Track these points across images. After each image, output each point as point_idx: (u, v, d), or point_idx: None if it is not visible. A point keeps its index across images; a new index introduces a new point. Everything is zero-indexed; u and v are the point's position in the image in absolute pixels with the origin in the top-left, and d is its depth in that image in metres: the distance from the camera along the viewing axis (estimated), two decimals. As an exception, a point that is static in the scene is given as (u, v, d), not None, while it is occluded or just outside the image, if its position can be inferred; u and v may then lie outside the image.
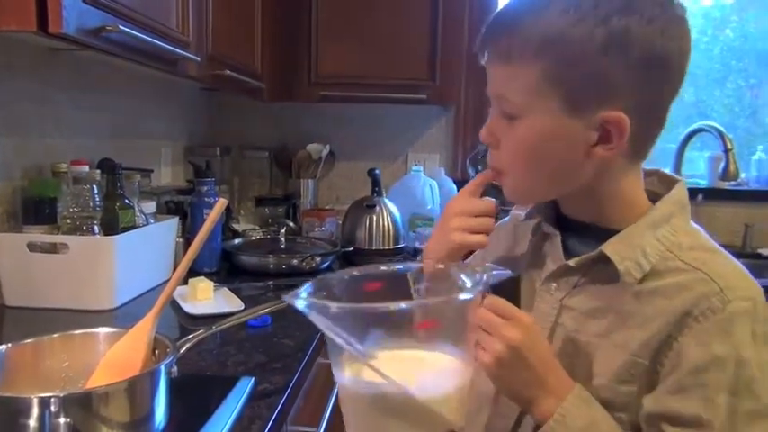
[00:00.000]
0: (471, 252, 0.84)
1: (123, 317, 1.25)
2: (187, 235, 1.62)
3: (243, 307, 1.25)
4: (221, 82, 1.55)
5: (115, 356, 0.74)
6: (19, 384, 0.71)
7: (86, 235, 1.25)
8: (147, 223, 1.43)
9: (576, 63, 0.59)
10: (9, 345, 0.73)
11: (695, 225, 0.69)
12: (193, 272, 1.58)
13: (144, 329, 0.76)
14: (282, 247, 1.70)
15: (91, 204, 1.26)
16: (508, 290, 0.63)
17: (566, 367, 0.68)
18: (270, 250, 1.70)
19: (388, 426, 0.60)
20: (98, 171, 1.36)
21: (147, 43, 1.09)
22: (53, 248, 1.22)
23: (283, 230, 1.74)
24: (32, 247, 1.22)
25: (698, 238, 0.68)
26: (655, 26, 0.59)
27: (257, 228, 1.98)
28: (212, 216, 0.79)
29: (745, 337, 0.60)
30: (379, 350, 0.58)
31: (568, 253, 0.71)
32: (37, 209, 1.26)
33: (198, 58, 1.33)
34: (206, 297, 1.32)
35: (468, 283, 0.62)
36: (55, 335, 0.77)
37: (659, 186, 0.71)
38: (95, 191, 1.27)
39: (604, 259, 0.65)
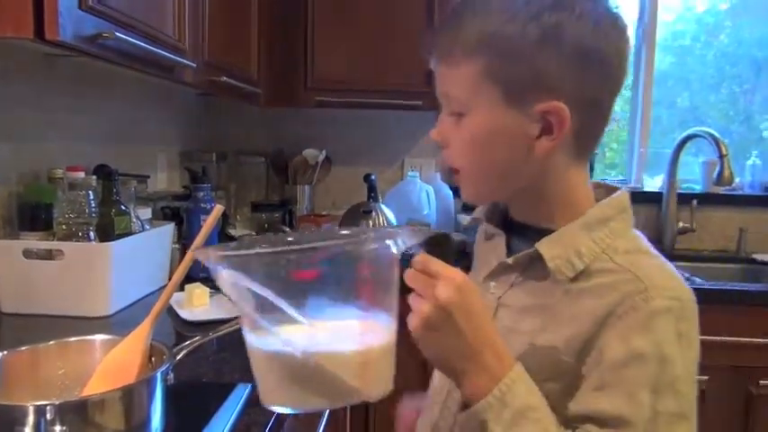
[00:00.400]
0: None
1: (119, 323, 1.25)
2: (183, 241, 1.62)
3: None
4: (217, 88, 1.55)
5: (111, 363, 0.74)
6: (15, 392, 0.71)
7: (82, 241, 1.25)
8: (144, 229, 1.43)
9: (513, 58, 0.62)
10: (5, 352, 0.73)
11: (636, 232, 0.70)
12: (190, 278, 1.58)
13: (140, 336, 0.76)
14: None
15: (87, 210, 1.26)
16: (443, 249, 0.63)
17: None
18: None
19: (292, 388, 0.56)
20: (94, 177, 1.36)
21: (143, 50, 1.09)
22: (49, 255, 1.22)
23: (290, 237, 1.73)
24: (28, 253, 1.22)
25: (635, 243, 0.68)
26: (586, 21, 0.62)
27: (254, 233, 1.98)
28: (209, 222, 0.78)
29: (668, 336, 0.60)
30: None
31: (512, 253, 0.72)
32: (33, 215, 1.26)
33: (194, 65, 1.34)
34: (202, 303, 1.32)
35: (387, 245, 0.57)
36: (51, 342, 0.77)
37: (604, 196, 0.72)
38: (91, 197, 1.27)
39: (539, 257, 0.67)
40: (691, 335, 0.62)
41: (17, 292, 1.24)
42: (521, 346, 0.67)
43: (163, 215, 1.66)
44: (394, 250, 0.56)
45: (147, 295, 1.37)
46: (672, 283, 0.64)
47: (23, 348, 0.76)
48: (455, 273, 0.59)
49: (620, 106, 2.52)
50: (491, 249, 0.77)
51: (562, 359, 0.65)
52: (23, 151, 1.32)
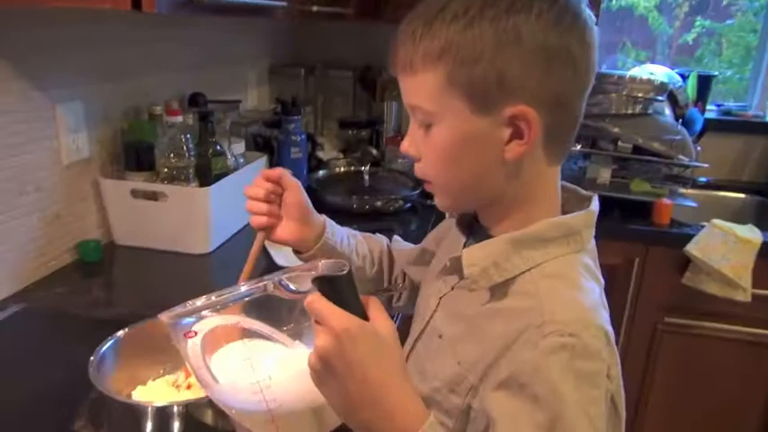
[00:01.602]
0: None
1: (218, 260, 1.34)
2: (274, 170, 1.66)
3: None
4: (309, 17, 1.50)
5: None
6: (137, 366, 0.80)
7: (183, 184, 1.31)
8: (238, 166, 1.48)
9: (473, 63, 0.60)
10: (126, 329, 0.81)
11: (585, 259, 0.65)
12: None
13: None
14: (366, 185, 1.72)
15: (186, 154, 1.31)
16: (343, 287, 0.55)
17: (421, 366, 0.70)
18: (353, 189, 1.72)
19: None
20: (191, 116, 1.40)
21: (234, 4, 1.06)
22: (153, 196, 1.30)
23: (367, 167, 1.74)
24: (135, 193, 1.30)
25: (568, 269, 0.63)
26: (545, 19, 0.59)
27: (341, 157, 1.99)
28: (254, 251, 0.80)
29: (559, 376, 0.56)
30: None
31: None
32: (137, 154, 1.32)
33: (284, 3, 1.29)
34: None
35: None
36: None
37: (574, 205, 0.68)
38: (189, 140, 1.31)
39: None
40: (589, 373, 0.57)
41: (127, 227, 1.35)
42: (443, 352, 0.67)
43: (254, 144, 1.70)
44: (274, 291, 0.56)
45: (242, 228, 1.45)
46: (576, 317, 0.59)
47: (142, 324, 0.83)
48: (336, 319, 0.54)
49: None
50: (452, 247, 0.75)
51: (467, 377, 0.63)
52: (123, 88, 1.37)
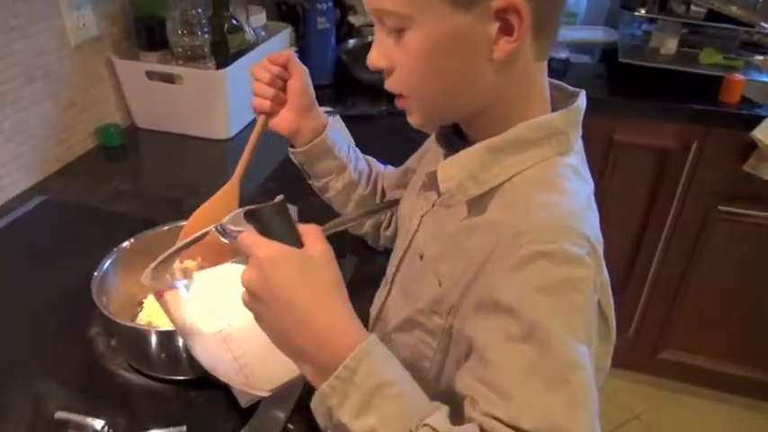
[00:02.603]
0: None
1: (239, 145, 1.28)
2: (301, 42, 1.54)
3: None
4: None
5: (198, 224, 0.78)
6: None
7: (198, 64, 1.23)
8: (258, 40, 1.37)
9: None
10: (132, 240, 0.79)
11: (571, 160, 0.58)
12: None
13: (229, 197, 0.79)
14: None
15: (199, 31, 1.21)
16: (271, 217, 0.52)
17: (405, 288, 0.67)
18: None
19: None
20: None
21: None
22: (170, 78, 1.23)
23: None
24: (150, 75, 1.23)
25: (551, 173, 0.56)
26: None
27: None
28: (256, 131, 0.79)
29: (537, 284, 0.50)
30: None
31: None
32: (149, 33, 1.24)
33: None
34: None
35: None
36: (164, 227, 0.82)
37: (561, 104, 0.60)
38: (201, 14, 1.21)
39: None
40: (575, 279, 0.51)
41: (146, 110, 1.30)
42: (424, 273, 0.63)
43: (278, 13, 1.56)
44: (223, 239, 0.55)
45: (266, 110, 1.38)
46: (555, 225, 0.52)
47: (142, 234, 0.81)
48: (258, 248, 0.51)
49: None
50: (432, 162, 0.68)
51: (447, 296, 0.59)
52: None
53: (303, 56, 1.54)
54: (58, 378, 0.73)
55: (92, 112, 1.22)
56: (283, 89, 0.79)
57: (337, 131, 0.85)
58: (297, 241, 0.52)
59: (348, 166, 0.85)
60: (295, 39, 1.52)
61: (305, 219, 0.97)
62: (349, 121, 1.34)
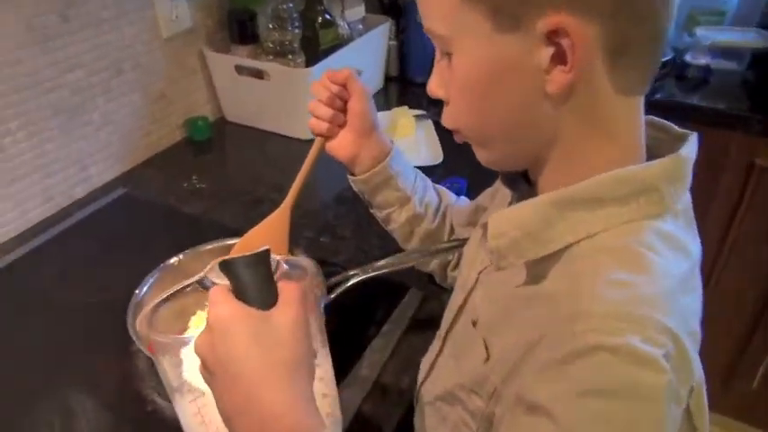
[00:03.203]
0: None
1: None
2: (401, 37, 1.45)
3: (440, 160, 1.13)
4: None
5: (248, 244, 0.74)
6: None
7: (287, 60, 1.18)
8: (353, 35, 1.29)
9: None
10: (180, 256, 0.75)
11: (666, 226, 0.44)
12: (404, 80, 1.46)
13: (279, 221, 0.73)
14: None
15: (289, 26, 1.16)
16: (243, 270, 0.44)
17: (456, 351, 0.58)
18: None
19: None
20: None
21: None
22: (258, 74, 1.19)
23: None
24: (240, 69, 1.20)
25: (633, 242, 0.43)
26: None
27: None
28: (311, 154, 0.73)
29: (588, 388, 0.38)
30: None
31: None
32: (240, 26, 1.20)
33: None
34: (406, 134, 1.22)
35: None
36: (214, 245, 0.77)
37: (666, 149, 0.46)
38: (292, 8, 1.15)
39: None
40: (646, 387, 0.38)
41: (235, 105, 1.28)
42: (474, 343, 0.53)
43: (380, 6, 1.48)
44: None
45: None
46: (625, 310, 0.39)
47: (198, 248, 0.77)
48: (212, 309, 0.43)
49: None
50: (500, 205, 0.60)
51: (489, 378, 0.49)
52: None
53: (402, 51, 1.45)
54: (92, 391, 0.71)
55: (181, 104, 1.22)
56: (343, 110, 0.71)
57: (402, 159, 0.76)
58: (269, 301, 0.44)
59: (412, 198, 0.75)
60: (395, 33, 1.43)
61: (373, 248, 0.93)
62: (440, 125, 1.24)
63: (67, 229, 0.98)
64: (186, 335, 0.56)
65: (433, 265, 0.80)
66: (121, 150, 1.12)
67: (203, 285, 0.47)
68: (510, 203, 0.57)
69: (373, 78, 1.39)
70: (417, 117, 1.26)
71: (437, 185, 0.81)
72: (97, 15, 1.00)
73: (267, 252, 0.45)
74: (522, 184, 0.54)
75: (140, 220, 1.01)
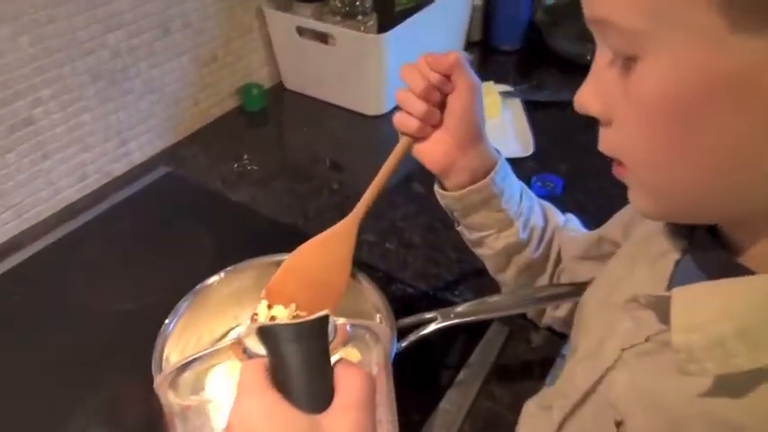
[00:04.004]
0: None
1: (390, 125, 1.07)
2: (488, -4, 1.25)
3: (531, 151, 0.95)
4: None
5: (301, 264, 0.59)
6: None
7: (357, 22, 1.01)
8: (434, -5, 1.11)
9: None
10: (221, 275, 0.62)
11: None
12: (488, 46, 1.27)
13: (343, 235, 0.59)
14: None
15: (362, -18, 0.98)
16: (301, 344, 0.34)
17: None
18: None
19: None
20: None
21: None
22: (322, 37, 1.03)
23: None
24: (302, 31, 1.04)
25: None
26: None
27: None
28: (393, 156, 0.58)
29: None
30: None
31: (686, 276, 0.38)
32: (306, -21, 1.04)
33: None
34: (490, 116, 1.03)
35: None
36: (260, 260, 0.64)
37: None
38: (368, -39, 0.98)
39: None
40: None
41: (295, 71, 1.13)
42: None
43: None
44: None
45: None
46: None
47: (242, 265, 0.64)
48: (238, 403, 0.33)
49: None
50: (651, 249, 0.43)
51: None
52: None
53: (489, 13, 1.25)
54: (111, 422, 0.61)
55: (234, 67, 1.07)
56: (442, 105, 0.55)
57: (508, 173, 0.59)
58: (320, 396, 0.33)
59: (516, 222, 0.59)
60: (482, -8, 1.23)
61: (449, 262, 0.78)
62: (531, 107, 1.05)
63: (100, 215, 0.87)
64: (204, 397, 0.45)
65: None
66: (165, 122, 0.99)
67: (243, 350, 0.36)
68: (679, 262, 0.40)
69: (453, 45, 1.20)
70: (503, 95, 1.07)
71: (543, 202, 0.65)
72: (140, -33, 0.86)
73: (325, 320, 0.35)
74: (708, 239, 0.38)
75: (181, 208, 0.89)
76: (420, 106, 0.55)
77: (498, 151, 0.59)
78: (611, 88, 0.33)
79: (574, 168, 0.94)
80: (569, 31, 1.23)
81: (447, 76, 0.54)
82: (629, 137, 0.34)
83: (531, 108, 1.05)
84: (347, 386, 0.33)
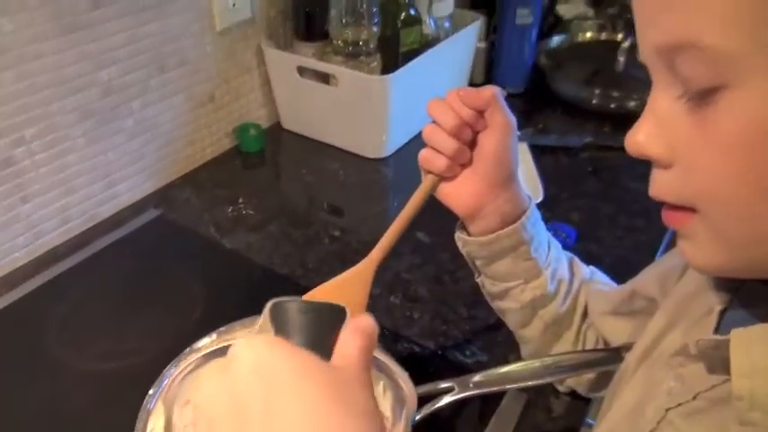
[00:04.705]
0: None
1: (396, 168, 1.03)
2: (492, 37, 1.23)
3: (541, 198, 0.91)
4: None
5: None
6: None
7: (360, 63, 0.98)
8: (440, 35, 1.08)
9: None
10: (213, 336, 0.56)
11: None
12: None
13: (359, 279, 0.53)
14: (619, 70, 1.20)
15: (365, 22, 0.95)
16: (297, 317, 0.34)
17: None
18: (597, 75, 1.21)
19: None
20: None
21: None
22: (324, 78, 0.99)
23: (626, 44, 1.20)
24: (302, 71, 1.01)
25: None
26: None
27: (590, 15, 1.44)
28: (417, 196, 0.53)
29: None
30: None
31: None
32: (308, 21, 1.01)
33: None
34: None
35: None
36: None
37: None
38: (373, 1, 0.95)
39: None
40: None
41: (294, 110, 1.08)
42: None
43: (470, 0, 1.25)
44: None
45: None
46: None
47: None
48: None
49: None
50: (693, 306, 0.40)
51: None
52: None
53: (492, 56, 1.23)
54: None
55: (231, 107, 1.03)
56: (472, 144, 0.52)
57: (538, 219, 0.55)
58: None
59: (545, 272, 0.55)
60: (485, 33, 1.21)
61: (459, 319, 0.72)
62: (537, 151, 1.02)
63: (84, 260, 0.81)
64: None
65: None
66: (157, 163, 0.94)
67: None
68: (725, 312, 0.36)
69: (457, 86, 1.17)
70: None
71: (567, 252, 0.60)
72: (138, 2, 0.82)
73: (339, 311, 0.34)
74: (757, 287, 0.34)
75: (171, 255, 0.83)
76: (450, 144, 0.51)
77: (530, 197, 0.55)
78: (676, 126, 0.30)
79: (585, 217, 0.90)
80: (573, 75, 1.21)
81: (480, 113, 0.51)
82: (709, 179, 0.29)
83: (538, 153, 1.02)
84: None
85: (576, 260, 0.60)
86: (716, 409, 0.33)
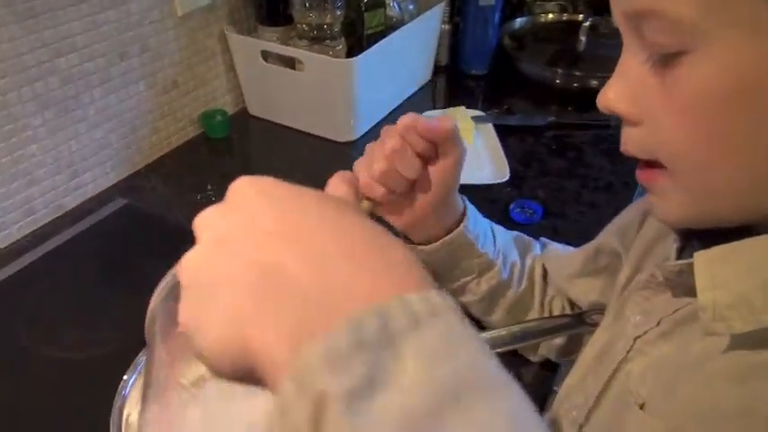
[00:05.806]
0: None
1: (363, 150, 1.03)
2: (456, 19, 1.24)
3: (507, 177, 0.93)
4: None
5: None
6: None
7: (325, 46, 0.98)
8: (404, 18, 1.09)
9: None
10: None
11: None
12: (456, 71, 1.25)
13: None
14: (581, 50, 1.22)
15: (329, 6, 0.95)
16: None
17: None
18: (561, 53, 1.23)
19: None
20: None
21: None
22: (289, 62, 0.99)
23: (587, 23, 1.22)
24: (267, 56, 1.00)
25: None
26: None
27: (552, -3, 1.46)
28: None
29: None
30: None
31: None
32: (271, 4, 1.00)
33: None
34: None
35: None
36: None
37: None
38: (335, -16, 0.95)
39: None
40: None
41: (260, 96, 1.08)
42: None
43: (434, -18, 1.26)
44: None
45: (400, 105, 1.10)
46: None
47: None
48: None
49: None
50: (653, 248, 0.45)
51: None
52: None
53: (456, 38, 1.24)
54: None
55: (196, 93, 1.02)
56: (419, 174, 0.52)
57: (478, 218, 0.57)
58: None
59: (496, 262, 0.57)
60: (449, 15, 1.22)
61: None
62: (502, 131, 1.03)
63: (49, 252, 0.79)
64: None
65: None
66: (122, 152, 0.93)
67: None
68: (682, 251, 0.39)
69: (422, 69, 1.18)
70: (475, 119, 1.05)
71: (513, 232, 0.62)
72: (95, -13, 0.81)
73: None
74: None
75: (140, 243, 0.82)
76: (395, 179, 0.50)
77: (464, 199, 0.56)
78: (642, 86, 0.32)
79: (551, 194, 0.92)
80: (536, 56, 1.23)
81: (434, 143, 0.51)
82: (671, 136, 0.32)
83: (503, 133, 1.03)
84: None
85: (522, 236, 0.62)
86: (678, 330, 0.37)
